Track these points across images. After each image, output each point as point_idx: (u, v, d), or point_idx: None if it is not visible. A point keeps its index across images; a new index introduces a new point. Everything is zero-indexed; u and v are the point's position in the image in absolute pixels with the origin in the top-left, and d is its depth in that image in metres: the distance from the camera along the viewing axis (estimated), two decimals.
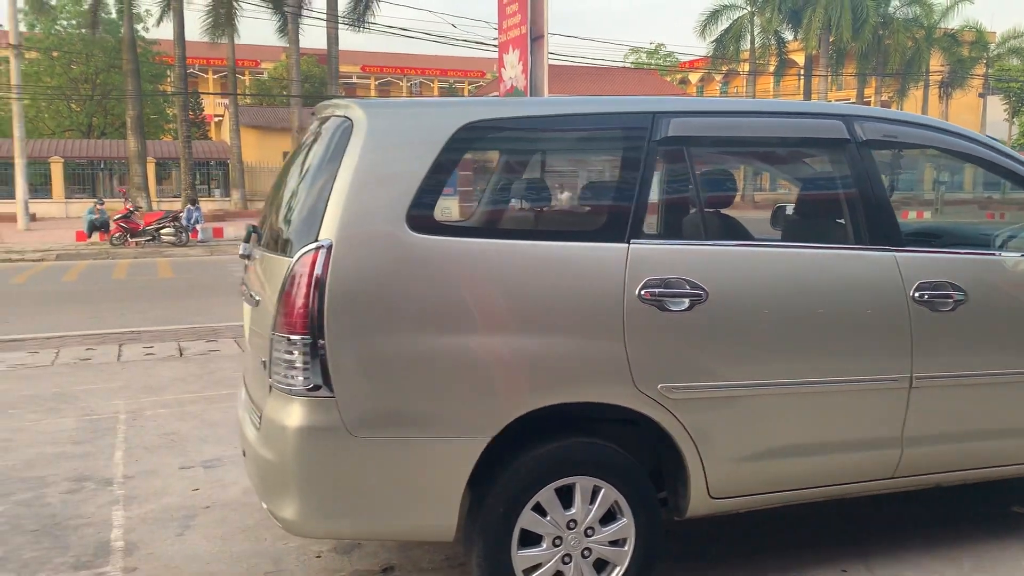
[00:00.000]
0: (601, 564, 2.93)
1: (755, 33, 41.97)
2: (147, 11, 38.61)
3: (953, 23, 43.60)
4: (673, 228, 3.08)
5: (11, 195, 29.67)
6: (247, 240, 3.45)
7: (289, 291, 2.68)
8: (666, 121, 3.03)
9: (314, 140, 3.24)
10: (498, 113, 3.01)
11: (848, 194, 3.31)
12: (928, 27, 42.96)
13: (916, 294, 3.16)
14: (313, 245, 2.66)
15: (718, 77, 57.47)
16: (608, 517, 2.92)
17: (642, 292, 2.84)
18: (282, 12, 32.39)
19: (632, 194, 2.95)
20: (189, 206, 22.38)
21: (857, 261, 3.21)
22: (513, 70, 9.53)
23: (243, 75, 48.15)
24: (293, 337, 2.65)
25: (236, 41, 34.20)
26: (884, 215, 3.27)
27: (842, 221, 3.35)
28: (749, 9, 41.47)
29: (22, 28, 27.34)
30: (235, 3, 32.39)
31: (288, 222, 3.05)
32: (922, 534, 3.70)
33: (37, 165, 31.25)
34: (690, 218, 3.15)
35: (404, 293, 2.71)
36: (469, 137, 2.90)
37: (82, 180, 36.83)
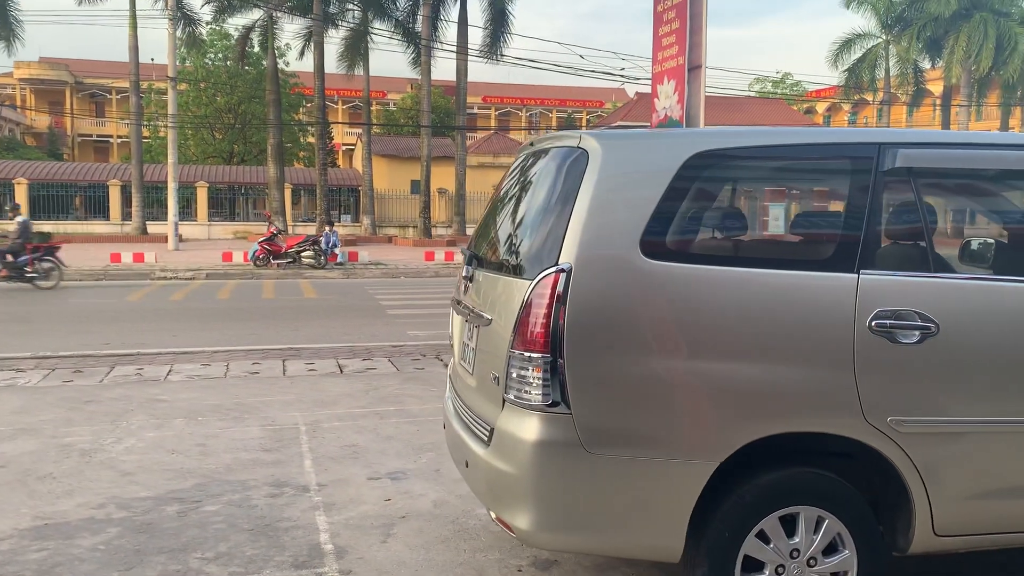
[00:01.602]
0: None
1: (891, 62, 40.65)
2: (288, 45, 40.58)
3: None
4: (900, 260, 3.05)
5: (160, 217, 31.72)
6: (468, 263, 3.61)
7: (528, 311, 2.80)
8: (893, 152, 3.03)
9: (536, 170, 3.37)
10: (727, 143, 3.07)
11: None
12: None
13: None
14: (554, 268, 2.78)
15: (846, 107, 55.85)
16: (831, 549, 2.91)
17: (872, 323, 2.83)
18: (416, 46, 33.63)
19: (860, 224, 2.95)
20: (327, 230, 23.32)
21: None
22: (668, 100, 9.60)
23: (372, 106, 49.96)
24: (533, 355, 2.78)
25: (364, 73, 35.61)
26: None
27: None
28: (885, 38, 40.27)
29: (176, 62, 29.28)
30: (370, 37, 33.88)
31: (518, 247, 3.19)
32: None
33: (183, 189, 33.21)
34: (917, 250, 3.11)
35: (638, 316, 2.79)
36: (699, 165, 2.96)
37: (220, 204, 38.92)
